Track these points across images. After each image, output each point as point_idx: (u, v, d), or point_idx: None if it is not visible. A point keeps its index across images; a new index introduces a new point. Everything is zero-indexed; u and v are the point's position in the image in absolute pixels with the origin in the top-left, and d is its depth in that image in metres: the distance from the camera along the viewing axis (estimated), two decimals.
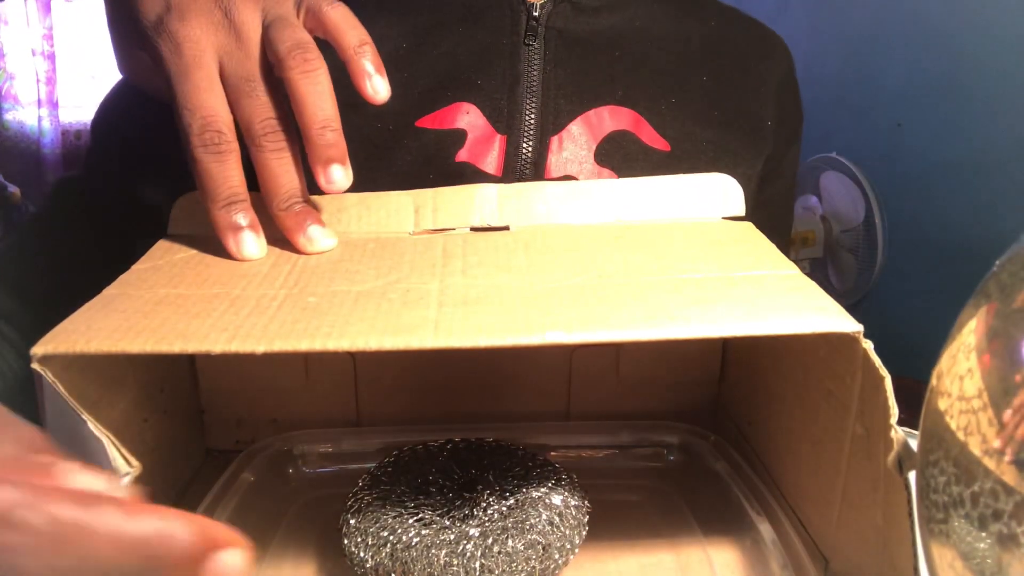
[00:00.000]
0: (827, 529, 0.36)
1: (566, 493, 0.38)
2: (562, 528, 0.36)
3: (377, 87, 0.38)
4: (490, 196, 0.42)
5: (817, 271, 1.56)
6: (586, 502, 0.39)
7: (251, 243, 0.38)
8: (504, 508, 0.37)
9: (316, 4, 0.39)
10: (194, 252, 0.39)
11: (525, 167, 0.52)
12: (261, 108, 0.37)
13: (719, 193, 0.43)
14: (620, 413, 0.49)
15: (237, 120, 0.38)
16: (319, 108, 0.37)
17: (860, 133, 1.49)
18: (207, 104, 0.37)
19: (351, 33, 0.38)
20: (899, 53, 1.39)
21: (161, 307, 0.32)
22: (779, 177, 0.62)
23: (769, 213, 0.60)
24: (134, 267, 0.37)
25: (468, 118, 0.52)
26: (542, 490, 0.38)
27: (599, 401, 0.49)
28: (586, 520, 0.38)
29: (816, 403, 0.36)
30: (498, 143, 0.52)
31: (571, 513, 0.37)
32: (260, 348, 0.28)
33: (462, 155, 0.51)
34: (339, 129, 0.38)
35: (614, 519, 0.41)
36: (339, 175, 0.38)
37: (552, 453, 0.46)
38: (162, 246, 0.40)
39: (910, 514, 0.28)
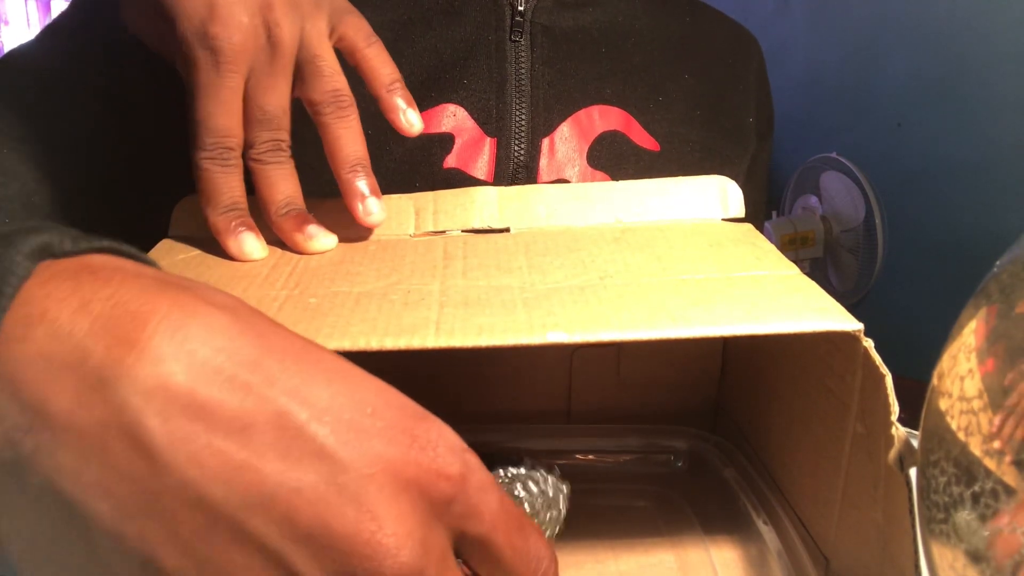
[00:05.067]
0: (828, 528, 0.36)
1: (537, 490, 0.35)
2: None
3: (412, 120, 0.41)
4: (490, 198, 0.42)
5: (817, 271, 1.56)
6: (562, 505, 0.36)
7: (252, 242, 0.38)
8: None
9: (353, 40, 0.40)
10: (196, 253, 0.39)
11: (517, 171, 0.51)
12: (267, 132, 0.38)
13: (719, 195, 0.43)
14: (621, 414, 0.49)
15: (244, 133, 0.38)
16: (352, 150, 0.40)
17: (860, 133, 1.49)
18: (224, 126, 0.37)
19: (383, 71, 0.41)
20: (899, 53, 1.39)
21: None
22: (755, 173, 0.61)
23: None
24: None
25: (455, 120, 0.50)
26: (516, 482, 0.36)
27: (600, 401, 0.49)
28: (563, 517, 0.35)
29: (816, 402, 0.36)
30: (488, 146, 0.50)
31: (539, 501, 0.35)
32: None
33: (450, 161, 0.50)
34: (369, 166, 0.40)
35: (616, 520, 0.41)
36: (375, 206, 0.39)
37: (558, 461, 0.45)
38: (163, 247, 0.40)
39: (911, 511, 0.28)
